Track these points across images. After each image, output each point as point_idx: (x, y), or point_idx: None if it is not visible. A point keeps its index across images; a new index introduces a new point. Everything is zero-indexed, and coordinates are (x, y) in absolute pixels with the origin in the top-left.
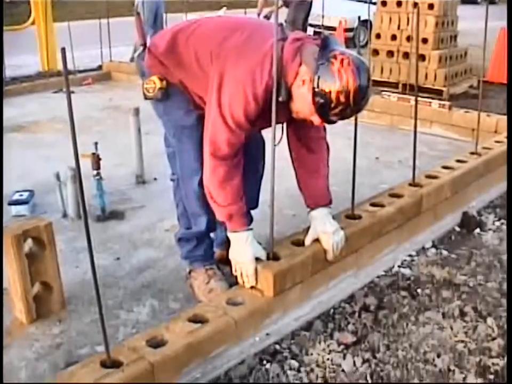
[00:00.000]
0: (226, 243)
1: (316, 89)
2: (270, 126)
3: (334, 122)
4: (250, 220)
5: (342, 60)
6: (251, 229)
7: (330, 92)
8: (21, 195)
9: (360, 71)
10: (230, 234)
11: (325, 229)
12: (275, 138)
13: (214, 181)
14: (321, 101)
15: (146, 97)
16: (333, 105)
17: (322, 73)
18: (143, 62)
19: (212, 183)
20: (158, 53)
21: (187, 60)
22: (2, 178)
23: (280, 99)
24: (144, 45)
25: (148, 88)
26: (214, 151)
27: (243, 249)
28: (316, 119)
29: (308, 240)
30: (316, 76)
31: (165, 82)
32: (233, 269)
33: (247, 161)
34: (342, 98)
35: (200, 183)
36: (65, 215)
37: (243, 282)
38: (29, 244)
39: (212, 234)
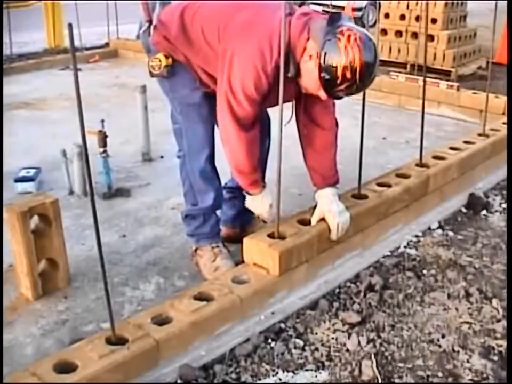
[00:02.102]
0: (232, 222)
1: (322, 65)
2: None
3: (340, 98)
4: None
5: (349, 36)
6: (264, 187)
7: (336, 68)
8: (28, 172)
9: (367, 48)
10: (249, 196)
11: (331, 208)
12: (282, 116)
13: (242, 150)
14: (327, 76)
15: (152, 75)
16: (339, 81)
17: (329, 49)
18: (149, 38)
19: (239, 152)
20: (164, 29)
21: (194, 36)
22: (2, 154)
23: (289, 75)
24: (150, 21)
25: (154, 65)
26: (237, 121)
27: (260, 203)
28: (323, 95)
29: (314, 219)
30: (323, 51)
31: (170, 60)
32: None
33: None
34: (348, 75)
35: (207, 160)
36: (71, 192)
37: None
38: (35, 221)
39: (218, 212)
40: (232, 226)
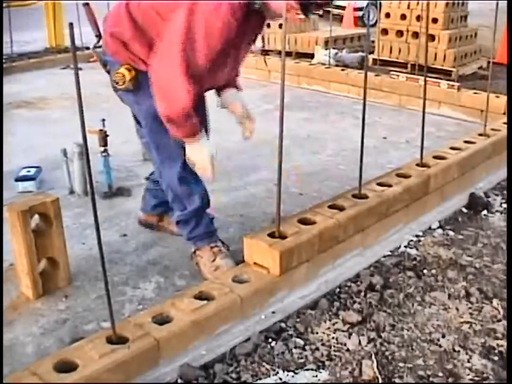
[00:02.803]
0: (152, 211)
1: None
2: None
3: (310, 11)
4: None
5: None
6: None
7: None
8: (28, 171)
9: None
10: (188, 148)
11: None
12: (282, 116)
13: (189, 101)
14: None
15: (116, 89)
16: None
17: None
18: (104, 50)
19: (180, 90)
20: (118, 34)
21: (148, 25)
22: (2, 153)
23: (256, 6)
24: (99, 35)
25: (117, 80)
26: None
27: (200, 153)
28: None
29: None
30: None
31: (133, 72)
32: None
33: None
34: None
35: (182, 166)
36: (72, 192)
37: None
38: (35, 220)
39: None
40: (151, 213)
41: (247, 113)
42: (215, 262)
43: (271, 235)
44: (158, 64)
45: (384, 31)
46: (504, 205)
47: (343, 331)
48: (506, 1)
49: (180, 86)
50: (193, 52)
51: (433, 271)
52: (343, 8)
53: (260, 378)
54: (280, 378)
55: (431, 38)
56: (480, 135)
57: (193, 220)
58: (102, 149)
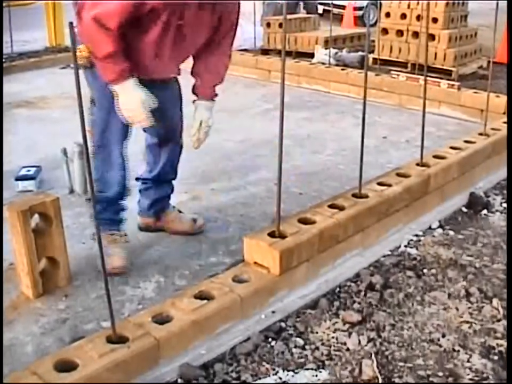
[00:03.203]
0: (147, 211)
1: None
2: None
3: None
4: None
5: None
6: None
7: None
8: (28, 170)
9: None
10: (116, 87)
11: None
12: (283, 115)
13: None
14: None
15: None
16: None
17: None
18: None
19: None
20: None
21: None
22: (2, 153)
23: None
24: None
25: (78, 58)
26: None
27: (131, 97)
28: None
29: (195, 127)
30: None
31: (88, 49)
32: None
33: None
34: None
35: (120, 153)
36: (72, 191)
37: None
38: (35, 220)
39: (125, 202)
40: (147, 215)
41: (203, 131)
42: (107, 249)
43: (271, 235)
44: (83, 13)
45: (384, 31)
46: (504, 205)
47: (343, 331)
48: (506, 1)
49: (100, 34)
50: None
51: (433, 271)
52: (343, 7)
53: (260, 378)
54: (280, 378)
55: (431, 37)
56: (480, 134)
57: (104, 204)
58: None
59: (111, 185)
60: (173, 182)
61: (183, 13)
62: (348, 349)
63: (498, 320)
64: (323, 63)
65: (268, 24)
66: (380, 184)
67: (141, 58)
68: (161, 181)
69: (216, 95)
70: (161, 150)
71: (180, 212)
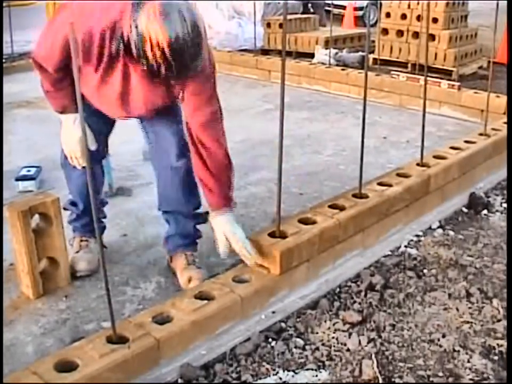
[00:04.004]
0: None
1: (133, 40)
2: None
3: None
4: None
5: (149, 9)
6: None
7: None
8: (28, 171)
9: (170, 21)
10: (62, 117)
11: (236, 231)
12: (283, 115)
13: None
14: (144, 61)
15: None
16: (149, 60)
17: (136, 22)
18: None
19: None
20: None
21: None
22: (2, 153)
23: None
24: None
25: None
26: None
27: (71, 131)
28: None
29: (222, 249)
30: (133, 24)
31: None
32: (68, 156)
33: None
34: (157, 53)
35: (84, 173)
36: None
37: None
38: (36, 220)
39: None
40: (167, 250)
41: (237, 246)
42: (77, 253)
43: (272, 235)
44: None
45: (385, 31)
46: (505, 205)
47: (343, 331)
48: (506, 1)
49: (39, 73)
50: (43, 40)
51: (434, 271)
52: (343, 7)
53: (260, 378)
54: (280, 378)
55: (432, 37)
56: (481, 134)
57: (75, 213)
58: None
59: (79, 204)
60: (188, 218)
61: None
62: (348, 349)
63: (499, 320)
64: (323, 63)
65: (268, 25)
66: (380, 184)
67: (92, 96)
68: (167, 213)
69: (229, 201)
70: (155, 172)
71: (189, 263)
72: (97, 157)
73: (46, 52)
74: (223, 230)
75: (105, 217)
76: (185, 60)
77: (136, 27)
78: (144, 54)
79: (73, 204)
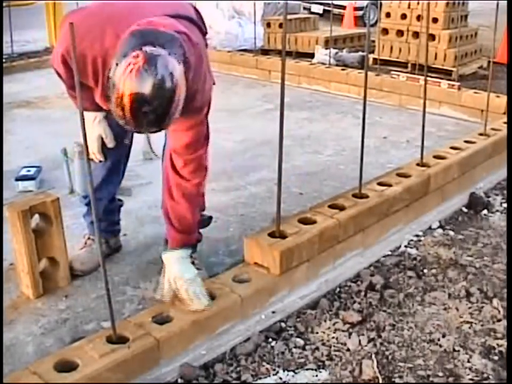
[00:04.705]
0: None
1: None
2: None
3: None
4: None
5: (128, 64)
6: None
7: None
8: (28, 170)
9: (142, 81)
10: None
11: (184, 276)
12: (283, 114)
13: None
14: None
15: None
16: (114, 110)
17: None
18: None
19: None
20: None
21: None
22: (2, 153)
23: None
24: None
25: None
26: None
27: (91, 129)
28: None
29: (166, 292)
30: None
31: None
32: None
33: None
34: (117, 106)
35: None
36: (72, 191)
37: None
38: (36, 220)
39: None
40: None
41: (181, 289)
42: (81, 250)
43: (271, 235)
44: None
45: (385, 31)
46: (505, 205)
47: (343, 331)
48: (506, 1)
49: (55, 72)
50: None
51: (434, 271)
52: (343, 7)
53: (260, 378)
54: (280, 378)
55: (432, 37)
56: (481, 134)
57: (86, 208)
58: None
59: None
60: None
61: None
62: (348, 349)
63: (499, 320)
64: (323, 63)
65: (268, 24)
66: (380, 184)
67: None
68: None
69: (188, 239)
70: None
71: None
72: (122, 152)
73: (54, 63)
74: (169, 269)
75: (119, 220)
76: (146, 121)
77: (115, 70)
78: (110, 99)
79: (85, 196)
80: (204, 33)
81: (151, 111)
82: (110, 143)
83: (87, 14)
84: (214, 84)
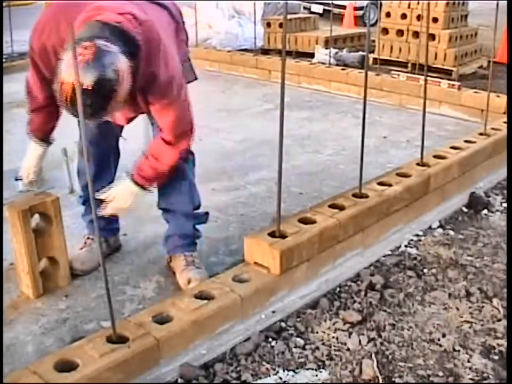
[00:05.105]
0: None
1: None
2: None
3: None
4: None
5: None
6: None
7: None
8: None
9: (90, 70)
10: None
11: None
12: (283, 114)
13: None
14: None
15: None
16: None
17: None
18: None
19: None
20: None
21: None
22: (2, 152)
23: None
24: None
25: None
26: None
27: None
28: None
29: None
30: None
31: None
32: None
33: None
34: (60, 93)
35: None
36: (72, 191)
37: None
38: (36, 219)
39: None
40: (167, 251)
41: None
42: (81, 250)
43: (272, 234)
44: None
45: (385, 31)
46: (505, 204)
47: (343, 330)
48: (506, 1)
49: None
50: None
51: (434, 271)
52: (343, 7)
53: (260, 378)
54: (281, 378)
55: (432, 37)
56: (481, 134)
57: (88, 207)
58: None
59: (84, 193)
60: (187, 218)
61: None
62: (348, 349)
63: (499, 320)
64: (323, 63)
65: (268, 24)
66: (380, 184)
67: None
68: (167, 212)
69: (144, 181)
70: None
71: (188, 264)
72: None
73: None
74: (124, 193)
75: (118, 218)
76: (90, 107)
77: (64, 57)
78: (57, 86)
79: (81, 196)
80: (172, 15)
81: (89, 104)
82: (31, 176)
83: (47, 7)
84: (188, 60)
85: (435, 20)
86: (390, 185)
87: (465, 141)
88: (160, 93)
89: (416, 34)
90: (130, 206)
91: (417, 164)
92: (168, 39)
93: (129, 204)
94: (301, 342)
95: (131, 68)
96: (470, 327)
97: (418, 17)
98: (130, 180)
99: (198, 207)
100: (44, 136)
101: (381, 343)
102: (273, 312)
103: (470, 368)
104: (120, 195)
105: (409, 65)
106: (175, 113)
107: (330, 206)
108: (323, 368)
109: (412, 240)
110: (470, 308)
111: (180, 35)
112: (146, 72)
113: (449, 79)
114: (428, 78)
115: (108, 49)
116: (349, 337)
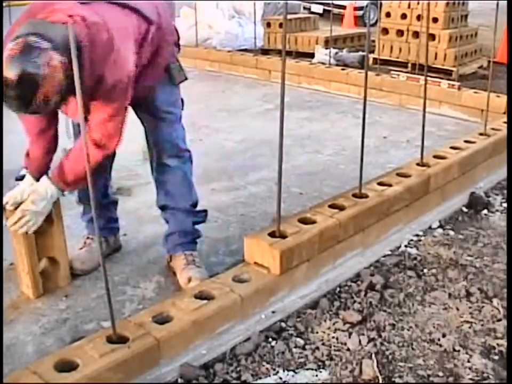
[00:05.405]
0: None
1: None
2: None
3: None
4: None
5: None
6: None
7: None
8: None
9: (15, 64)
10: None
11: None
12: (283, 113)
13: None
14: None
15: None
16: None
17: None
18: None
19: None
20: None
21: None
22: (2, 153)
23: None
24: None
25: None
26: None
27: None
28: None
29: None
30: None
31: None
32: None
33: None
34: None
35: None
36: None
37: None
38: None
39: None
40: (167, 251)
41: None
42: (81, 250)
43: (272, 234)
44: None
45: (385, 31)
46: (505, 205)
47: (343, 331)
48: (506, 1)
49: None
50: None
51: (434, 271)
52: (343, 7)
53: (260, 378)
54: (281, 378)
55: (432, 37)
56: (481, 134)
57: (87, 206)
58: None
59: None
60: (186, 215)
61: None
62: (348, 349)
63: (499, 320)
64: (323, 63)
65: (268, 24)
66: (380, 184)
67: None
68: (166, 210)
69: (60, 180)
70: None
71: (188, 263)
72: None
73: None
74: (38, 193)
75: (117, 217)
76: (9, 103)
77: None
78: None
79: (79, 196)
80: (145, 18)
81: (13, 96)
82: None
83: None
84: (177, 61)
85: (435, 20)
86: (390, 185)
87: (465, 141)
88: (103, 94)
89: (416, 34)
90: (43, 209)
91: (417, 164)
92: (126, 42)
93: (43, 206)
94: (301, 342)
95: (66, 65)
96: (470, 327)
97: (418, 17)
98: (48, 178)
99: (196, 205)
100: (40, 175)
101: (381, 343)
102: (273, 312)
103: (470, 368)
104: (35, 193)
105: (409, 65)
106: (109, 113)
107: (330, 206)
108: (323, 368)
109: (412, 240)
110: (470, 308)
111: (161, 36)
112: (91, 72)
113: (449, 79)
114: (428, 78)
115: (37, 45)
116: (349, 337)
